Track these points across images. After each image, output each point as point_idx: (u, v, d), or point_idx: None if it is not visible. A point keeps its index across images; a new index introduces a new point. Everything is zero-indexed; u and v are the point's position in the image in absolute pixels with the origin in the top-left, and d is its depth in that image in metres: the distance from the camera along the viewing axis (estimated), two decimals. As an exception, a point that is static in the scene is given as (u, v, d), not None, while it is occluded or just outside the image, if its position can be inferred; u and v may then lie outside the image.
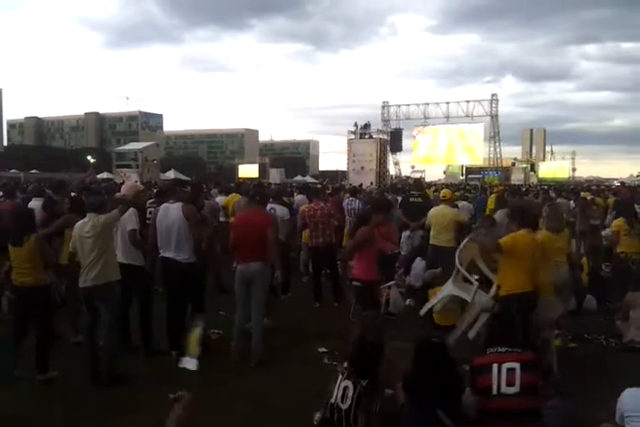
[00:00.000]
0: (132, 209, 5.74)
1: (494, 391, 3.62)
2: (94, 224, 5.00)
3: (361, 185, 23.22)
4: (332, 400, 3.97)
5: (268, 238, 5.55)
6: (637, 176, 69.55)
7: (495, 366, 3.67)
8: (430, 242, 8.23)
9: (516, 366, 3.66)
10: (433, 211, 8.44)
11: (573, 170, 73.98)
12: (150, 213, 6.47)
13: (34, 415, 4.44)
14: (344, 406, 3.91)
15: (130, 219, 5.71)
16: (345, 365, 4.08)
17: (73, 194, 7.92)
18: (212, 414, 4.46)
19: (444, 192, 9.25)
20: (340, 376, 4.00)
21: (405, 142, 51.08)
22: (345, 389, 3.95)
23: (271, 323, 6.67)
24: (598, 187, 25.14)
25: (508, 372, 3.64)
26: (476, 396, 3.69)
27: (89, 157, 62.30)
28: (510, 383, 3.61)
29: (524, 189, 22.38)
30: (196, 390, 4.76)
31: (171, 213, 5.67)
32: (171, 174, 48.08)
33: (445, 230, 8.06)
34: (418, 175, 53.45)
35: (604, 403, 3.71)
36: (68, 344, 5.88)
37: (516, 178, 57.39)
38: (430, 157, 51.87)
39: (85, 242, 5.02)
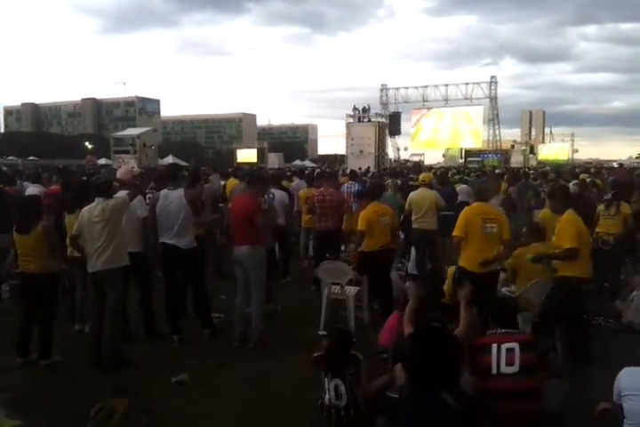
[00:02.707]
0: (139, 196, 5.74)
1: (494, 371, 3.66)
2: (103, 209, 4.99)
3: (360, 169, 23.10)
4: (327, 402, 3.92)
5: (255, 223, 5.57)
6: (636, 158, 69.31)
7: (495, 346, 3.71)
8: (413, 226, 8.29)
9: (515, 346, 3.70)
10: (413, 195, 8.49)
11: (575, 151, 73.77)
12: (149, 198, 6.46)
13: (34, 400, 4.48)
14: (341, 404, 3.87)
15: (140, 206, 5.73)
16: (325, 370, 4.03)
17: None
18: (213, 397, 4.51)
19: (423, 176, 9.27)
20: (326, 379, 3.95)
21: (404, 125, 50.91)
22: (336, 387, 3.90)
23: (279, 309, 6.73)
24: (597, 168, 25.06)
25: (508, 352, 3.68)
26: (475, 375, 3.72)
27: (87, 144, 62.17)
28: (510, 363, 3.65)
29: (522, 172, 22.28)
30: (197, 374, 4.86)
31: (171, 199, 5.67)
32: (169, 160, 47.83)
33: (427, 213, 8.17)
34: (417, 159, 53.27)
35: (601, 382, 3.75)
36: (70, 330, 5.93)
37: (516, 160, 57.04)
38: (434, 140, 51.56)
39: (94, 227, 5.00)
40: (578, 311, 5.01)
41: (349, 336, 4.30)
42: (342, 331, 4.35)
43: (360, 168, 24.51)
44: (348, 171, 18.33)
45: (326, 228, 7.97)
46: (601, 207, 7.39)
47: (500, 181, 12.83)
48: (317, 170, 22.21)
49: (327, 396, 3.94)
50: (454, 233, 5.45)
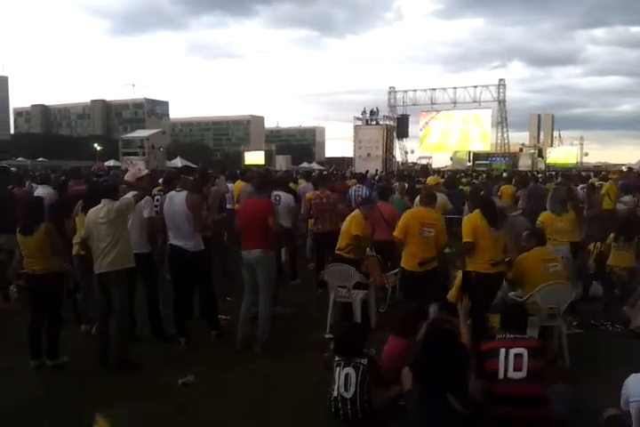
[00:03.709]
0: (147, 197, 5.77)
1: (501, 376, 3.65)
2: (109, 210, 5.02)
3: (367, 172, 23.07)
4: (335, 393, 4.01)
5: (268, 226, 5.54)
6: (646, 161, 68.70)
7: (503, 350, 3.70)
8: None
9: (524, 351, 3.68)
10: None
11: (586, 154, 73.27)
12: (157, 200, 6.50)
13: (40, 401, 4.50)
14: (348, 395, 3.96)
15: (147, 206, 5.76)
16: (337, 357, 4.14)
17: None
18: (219, 398, 4.51)
19: (431, 179, 9.24)
20: (337, 368, 4.05)
21: (412, 128, 50.80)
22: (347, 376, 3.99)
23: (288, 311, 6.73)
24: (606, 172, 24.88)
25: (516, 357, 3.67)
26: (482, 380, 3.71)
27: (96, 145, 62.51)
28: (518, 369, 3.64)
29: (530, 175, 22.15)
30: (203, 376, 4.86)
31: (176, 201, 5.68)
32: (177, 162, 47.98)
33: None
34: (425, 162, 53.18)
35: (609, 388, 3.72)
36: (76, 331, 5.96)
37: (524, 164, 56.81)
38: (443, 143, 51.32)
39: (100, 228, 5.02)
40: (480, 305, 5.09)
41: (364, 329, 4.39)
42: (356, 323, 4.50)
43: (367, 171, 24.48)
44: (350, 173, 18.28)
45: (323, 230, 7.99)
46: (612, 242, 7.17)
47: (506, 183, 12.79)
48: (325, 172, 22.21)
49: (336, 386, 4.01)
50: (394, 234, 6.05)
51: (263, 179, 6.31)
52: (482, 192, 7.34)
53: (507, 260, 5.67)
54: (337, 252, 6.47)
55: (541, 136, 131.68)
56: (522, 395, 3.59)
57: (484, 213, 5.44)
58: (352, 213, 6.62)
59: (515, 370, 3.65)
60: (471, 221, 5.49)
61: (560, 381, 4.12)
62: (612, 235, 7.27)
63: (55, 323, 5.19)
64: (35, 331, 5.18)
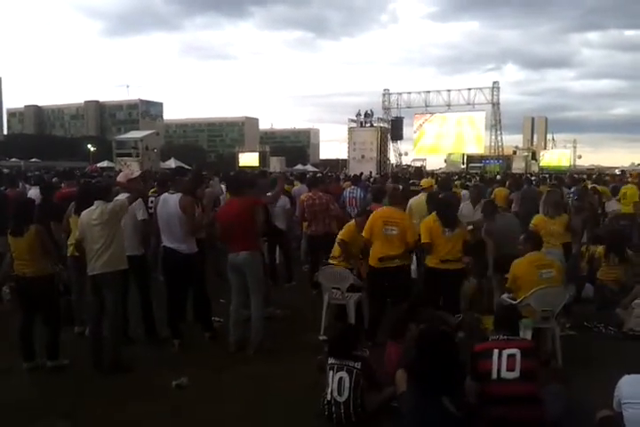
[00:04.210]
0: (139, 198, 5.76)
1: (494, 376, 3.67)
2: (102, 211, 5.00)
3: (361, 174, 23.06)
4: (328, 397, 3.99)
5: (252, 226, 5.54)
6: (638, 165, 69.16)
7: (496, 351, 3.72)
8: None
9: (517, 352, 3.70)
10: (413, 200, 8.42)
11: (579, 157, 73.82)
12: (152, 202, 6.48)
13: (36, 402, 4.48)
14: (342, 399, 3.94)
15: (139, 208, 5.74)
16: (331, 360, 4.10)
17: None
18: (213, 400, 4.50)
19: (424, 182, 9.31)
20: (331, 372, 4.02)
21: (406, 130, 50.98)
22: (340, 380, 3.96)
23: (279, 312, 6.71)
24: (599, 175, 25.04)
25: (509, 358, 3.69)
26: (475, 381, 3.73)
27: (89, 146, 62.34)
28: (510, 369, 3.66)
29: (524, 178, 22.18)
30: (197, 377, 4.85)
31: (169, 204, 5.66)
32: (171, 163, 47.87)
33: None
34: (419, 164, 53.30)
35: (602, 390, 3.74)
36: (70, 333, 5.92)
37: (518, 166, 56.84)
38: (437, 146, 51.54)
39: (93, 229, 5.01)
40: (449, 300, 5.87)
41: (357, 331, 4.37)
42: (350, 325, 4.48)
43: (362, 173, 24.49)
44: (345, 175, 18.21)
45: (317, 232, 8.00)
46: (602, 258, 7.18)
47: (500, 186, 12.83)
48: (319, 174, 22.18)
49: (329, 389, 3.99)
50: (362, 234, 6.07)
51: (235, 181, 6.17)
52: (440, 195, 7.53)
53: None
54: (330, 260, 6.53)
55: (535, 139, 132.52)
56: (515, 395, 3.61)
57: (439, 215, 5.88)
58: (348, 223, 6.71)
59: (507, 370, 3.67)
60: (426, 222, 5.99)
61: (554, 382, 4.14)
62: (600, 248, 7.29)
63: (53, 324, 5.16)
64: (25, 333, 5.15)
